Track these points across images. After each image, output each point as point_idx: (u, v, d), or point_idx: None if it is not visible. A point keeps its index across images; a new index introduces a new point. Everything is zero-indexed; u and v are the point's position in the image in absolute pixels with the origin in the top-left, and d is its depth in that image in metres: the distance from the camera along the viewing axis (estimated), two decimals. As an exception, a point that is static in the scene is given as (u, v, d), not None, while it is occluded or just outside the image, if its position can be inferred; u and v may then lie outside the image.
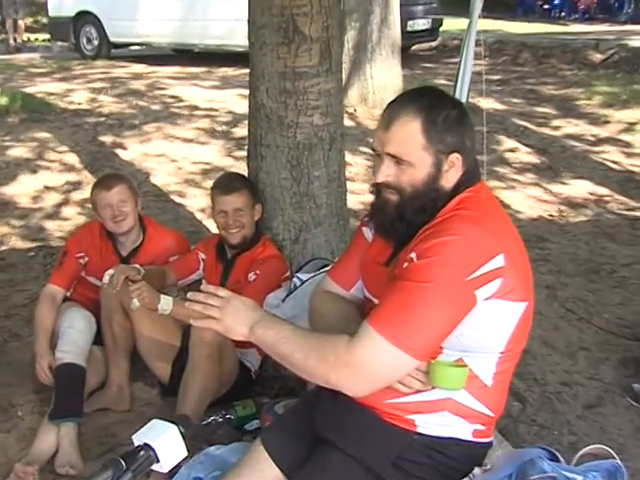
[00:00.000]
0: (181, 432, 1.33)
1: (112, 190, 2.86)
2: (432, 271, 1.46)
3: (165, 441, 1.30)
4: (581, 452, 1.62)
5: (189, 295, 1.64)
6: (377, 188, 1.64)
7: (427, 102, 1.58)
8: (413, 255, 1.50)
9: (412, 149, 1.56)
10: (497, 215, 1.61)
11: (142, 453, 1.28)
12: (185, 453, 1.33)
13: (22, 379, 2.89)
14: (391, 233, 1.64)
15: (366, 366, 1.47)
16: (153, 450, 1.29)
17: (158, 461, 1.29)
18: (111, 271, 2.65)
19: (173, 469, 1.33)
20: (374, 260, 1.71)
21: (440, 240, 1.48)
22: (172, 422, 1.34)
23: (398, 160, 1.57)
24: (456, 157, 1.58)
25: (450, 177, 1.59)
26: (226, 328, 1.60)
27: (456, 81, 2.96)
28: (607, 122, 6.81)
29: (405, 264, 1.51)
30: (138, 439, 1.30)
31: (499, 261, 1.48)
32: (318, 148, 2.85)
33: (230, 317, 1.59)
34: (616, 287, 3.87)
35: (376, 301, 1.65)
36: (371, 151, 1.66)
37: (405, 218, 1.59)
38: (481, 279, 1.46)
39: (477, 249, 1.47)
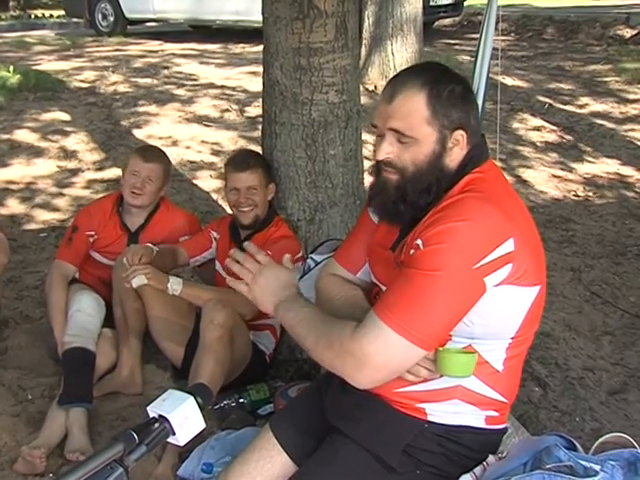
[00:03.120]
0: (198, 403, 1.26)
1: (147, 163, 2.85)
2: (440, 259, 1.40)
3: (181, 413, 1.23)
4: (600, 440, 1.57)
5: (231, 252, 1.64)
6: (377, 168, 1.58)
7: (432, 76, 1.52)
8: (419, 242, 1.44)
9: (416, 123, 1.49)
10: (507, 196, 1.54)
11: (156, 425, 1.21)
12: (203, 425, 1.26)
13: (32, 362, 2.88)
14: (394, 215, 1.58)
15: (371, 356, 1.41)
16: (168, 422, 1.21)
17: (174, 434, 1.22)
18: (125, 260, 2.60)
19: (189, 442, 1.26)
20: (380, 243, 1.66)
21: (447, 226, 1.41)
22: (189, 392, 1.27)
23: (401, 136, 1.50)
24: (461, 134, 1.51)
25: (454, 155, 1.52)
26: (254, 298, 1.61)
27: (476, 57, 2.87)
28: (636, 100, 6.63)
29: (412, 251, 1.46)
30: (152, 410, 1.23)
31: (509, 246, 1.41)
32: (334, 126, 2.80)
33: (259, 289, 1.60)
34: (643, 269, 3.78)
35: (383, 287, 1.61)
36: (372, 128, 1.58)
37: (407, 199, 1.52)
38: (490, 266, 1.40)
39: (486, 235, 1.41)
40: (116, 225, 2.92)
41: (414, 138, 1.49)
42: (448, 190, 1.50)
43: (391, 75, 6.48)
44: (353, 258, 1.75)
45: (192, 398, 1.26)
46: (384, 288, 1.59)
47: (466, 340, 1.50)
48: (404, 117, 1.49)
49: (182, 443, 1.25)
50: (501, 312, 1.47)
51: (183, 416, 1.23)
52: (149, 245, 2.74)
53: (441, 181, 1.51)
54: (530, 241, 1.49)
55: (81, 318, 2.68)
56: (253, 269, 1.60)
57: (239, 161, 2.77)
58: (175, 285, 2.54)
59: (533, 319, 1.54)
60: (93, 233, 2.90)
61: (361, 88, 3.71)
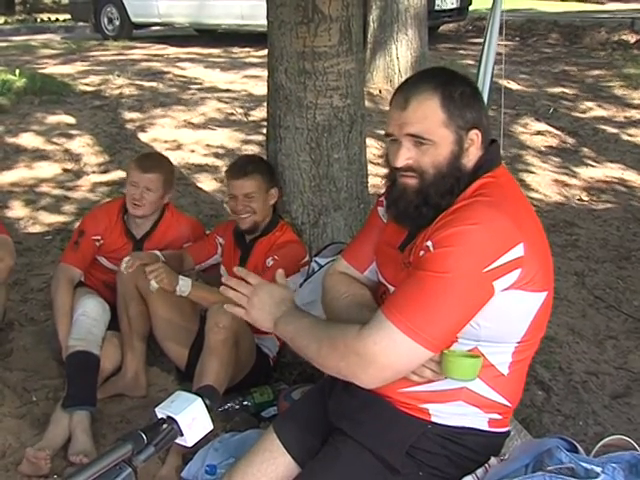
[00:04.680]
0: (206, 405, 1.28)
1: (145, 174, 2.81)
2: (450, 262, 1.41)
3: (189, 414, 1.25)
4: (601, 442, 1.57)
5: (224, 279, 1.68)
6: (392, 175, 1.59)
7: (442, 79, 1.55)
8: (430, 243, 1.45)
9: (433, 126, 1.50)
10: (518, 201, 1.55)
11: (165, 426, 1.23)
12: (210, 427, 1.28)
13: (37, 364, 2.88)
14: (416, 219, 1.57)
15: (377, 356, 1.42)
16: (176, 423, 1.23)
17: (182, 435, 1.24)
18: (127, 258, 2.62)
19: (197, 443, 1.28)
20: (388, 242, 1.67)
21: (458, 229, 1.42)
22: (197, 394, 1.29)
23: (419, 140, 1.51)
24: (475, 133, 1.53)
25: (471, 155, 1.54)
26: (253, 320, 1.65)
27: (480, 62, 2.87)
28: (641, 104, 6.64)
29: (422, 252, 1.47)
30: (161, 411, 1.25)
31: (519, 251, 1.42)
32: (338, 130, 2.81)
33: (256, 310, 1.62)
34: (647, 274, 3.78)
35: (390, 287, 1.62)
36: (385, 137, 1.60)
37: (430, 202, 1.53)
38: (500, 270, 1.41)
39: (497, 239, 1.42)
40: (121, 232, 2.92)
41: (432, 141, 1.50)
42: (460, 193, 1.51)
43: (396, 79, 6.50)
44: (361, 256, 1.76)
45: (200, 399, 1.27)
46: (391, 288, 1.60)
47: (472, 342, 1.50)
48: (420, 121, 1.50)
49: (190, 444, 1.26)
50: (508, 316, 1.48)
51: (191, 417, 1.25)
52: (155, 252, 2.75)
53: (460, 181, 1.52)
54: (539, 247, 1.50)
55: (86, 322, 2.69)
56: (247, 292, 1.62)
57: (237, 168, 2.77)
58: (184, 287, 2.55)
59: (539, 324, 1.54)
60: (99, 238, 2.90)
61: (365, 92, 3.72)
